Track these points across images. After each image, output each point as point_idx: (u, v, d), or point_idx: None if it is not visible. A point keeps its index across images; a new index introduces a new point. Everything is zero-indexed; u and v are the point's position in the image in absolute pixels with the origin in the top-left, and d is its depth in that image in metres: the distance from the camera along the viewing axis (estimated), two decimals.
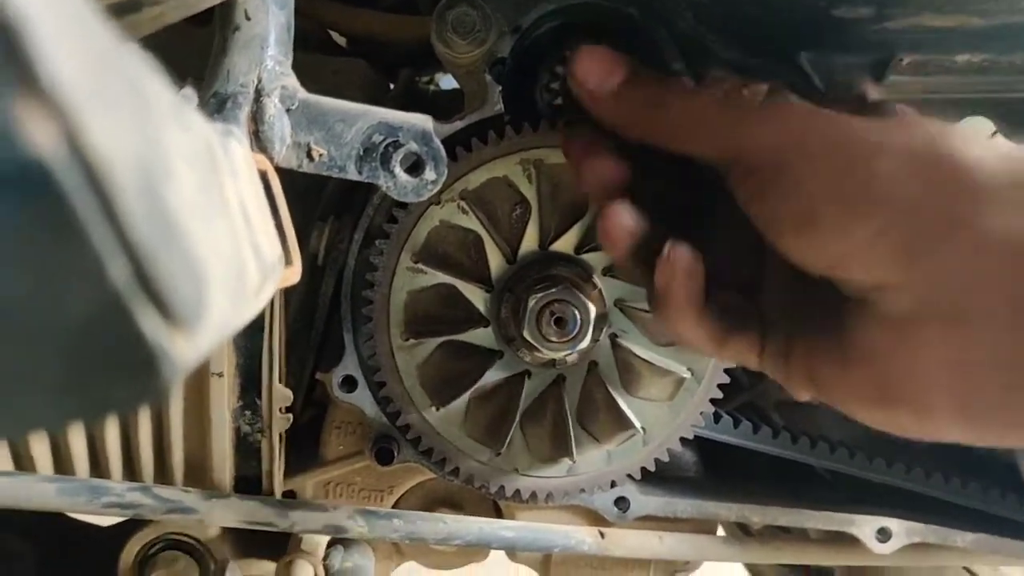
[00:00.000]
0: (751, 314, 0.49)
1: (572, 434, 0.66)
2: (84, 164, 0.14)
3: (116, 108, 0.16)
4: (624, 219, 0.48)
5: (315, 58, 0.72)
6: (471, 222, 0.63)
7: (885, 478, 0.75)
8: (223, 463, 0.64)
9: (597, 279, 0.64)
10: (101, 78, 0.15)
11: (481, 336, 0.65)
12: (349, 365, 0.67)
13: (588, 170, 0.51)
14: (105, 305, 0.16)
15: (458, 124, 0.62)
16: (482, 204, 0.63)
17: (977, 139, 0.40)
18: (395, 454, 0.69)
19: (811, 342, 0.46)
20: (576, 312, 0.61)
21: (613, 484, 0.70)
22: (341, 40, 0.87)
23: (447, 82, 0.96)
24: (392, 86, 0.82)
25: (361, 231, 0.66)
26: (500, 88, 0.62)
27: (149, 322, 0.17)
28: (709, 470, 0.80)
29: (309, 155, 0.40)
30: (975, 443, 0.41)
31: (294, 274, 0.38)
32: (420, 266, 0.63)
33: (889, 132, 0.41)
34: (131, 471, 0.64)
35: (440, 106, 0.78)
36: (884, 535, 0.74)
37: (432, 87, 0.97)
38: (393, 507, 0.75)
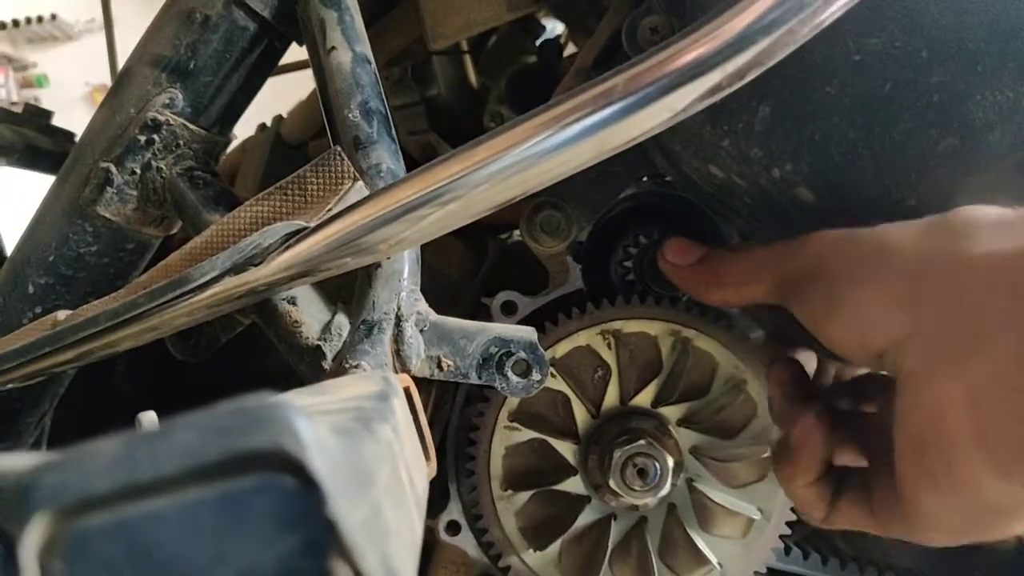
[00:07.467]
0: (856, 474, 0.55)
1: (656, 571, 0.73)
2: None
3: (372, 529, 0.22)
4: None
5: None
6: (559, 384, 0.72)
7: None
8: None
9: (673, 430, 0.72)
10: (364, 507, 0.22)
11: (571, 484, 0.73)
12: (454, 511, 0.76)
13: (799, 428, 0.58)
14: None
15: (544, 299, 0.73)
16: (568, 369, 0.72)
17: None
18: None
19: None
20: (656, 463, 0.69)
21: None
22: None
23: None
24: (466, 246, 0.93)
25: (463, 393, 0.75)
26: (580, 267, 0.73)
27: None
28: None
29: (439, 366, 0.50)
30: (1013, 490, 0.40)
31: (432, 470, 0.47)
32: (515, 424, 0.72)
33: (899, 224, 0.47)
34: None
35: (527, 260, 0.89)
36: None
37: (509, 241, 1.09)
38: None
